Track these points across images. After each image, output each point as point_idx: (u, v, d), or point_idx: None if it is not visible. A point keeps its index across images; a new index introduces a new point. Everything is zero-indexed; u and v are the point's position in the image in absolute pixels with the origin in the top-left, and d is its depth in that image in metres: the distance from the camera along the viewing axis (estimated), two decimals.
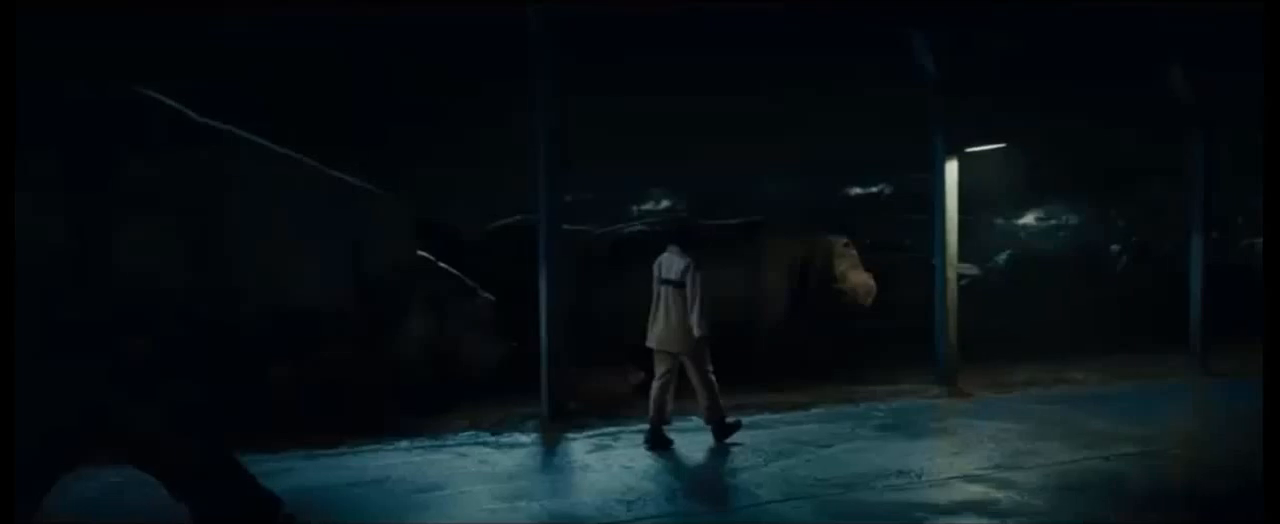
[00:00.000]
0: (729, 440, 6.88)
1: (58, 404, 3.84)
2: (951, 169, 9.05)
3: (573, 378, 7.90)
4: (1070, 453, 6.54)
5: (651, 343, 6.81)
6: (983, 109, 9.05)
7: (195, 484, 4.13)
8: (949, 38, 8.95)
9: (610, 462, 6.37)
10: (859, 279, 10.81)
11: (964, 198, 9.17)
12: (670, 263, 6.76)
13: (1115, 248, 18.32)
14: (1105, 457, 6.44)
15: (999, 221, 27.54)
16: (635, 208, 26.49)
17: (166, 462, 4.09)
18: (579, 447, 6.85)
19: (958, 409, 8.42)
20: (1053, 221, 28.08)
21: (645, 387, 7.29)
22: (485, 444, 6.94)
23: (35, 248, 3.82)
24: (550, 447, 6.92)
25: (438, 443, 6.94)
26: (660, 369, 6.81)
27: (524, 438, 7.15)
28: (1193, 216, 11.17)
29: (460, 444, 6.92)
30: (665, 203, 26.09)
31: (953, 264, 9.20)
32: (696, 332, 6.58)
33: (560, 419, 7.54)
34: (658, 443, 6.71)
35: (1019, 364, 10.88)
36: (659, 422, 6.76)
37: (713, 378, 6.79)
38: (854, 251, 10.75)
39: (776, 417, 7.90)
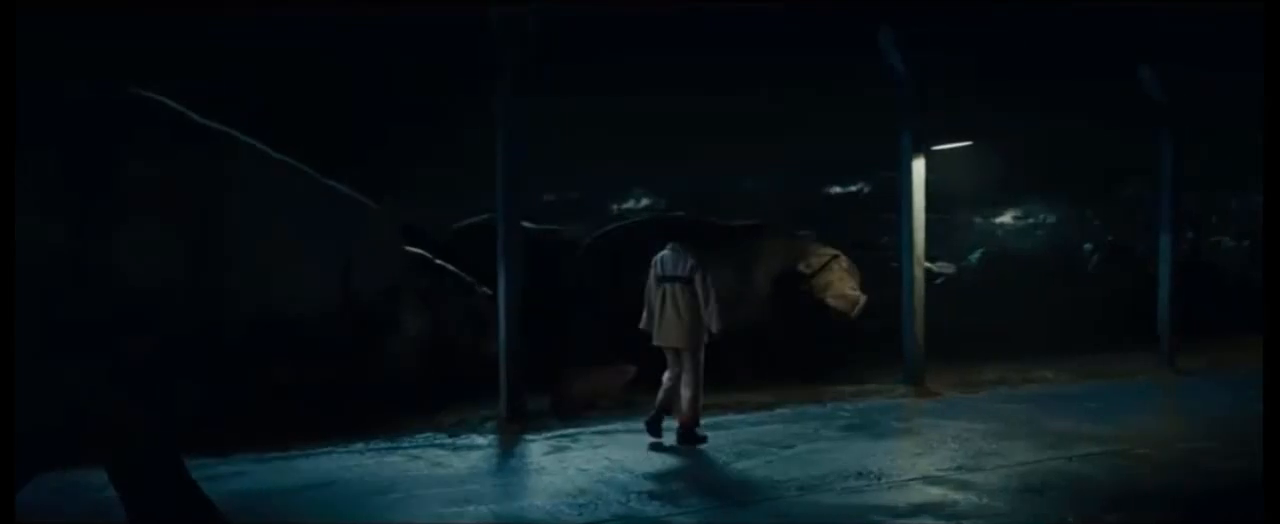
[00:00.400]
0: (688, 446, 6.75)
1: (53, 402, 3.84)
2: (918, 167, 8.97)
3: (526, 377, 7.73)
4: (1033, 453, 6.46)
5: (659, 341, 6.82)
6: (951, 107, 8.95)
7: (153, 483, 4.11)
8: (917, 35, 8.86)
9: (566, 463, 6.24)
10: (848, 293, 10.63)
11: (943, 197, 9.13)
12: (673, 260, 6.76)
13: (1088, 247, 18.34)
14: (1068, 457, 6.37)
15: (977, 220, 27.64)
16: (615, 207, 26.40)
17: (135, 460, 4.07)
18: (536, 448, 6.71)
19: (924, 409, 8.34)
20: (1030, 220, 28.19)
21: (636, 382, 7.65)
22: (441, 446, 6.79)
23: (35, 248, 3.84)
24: (506, 448, 6.78)
25: (392, 445, 6.79)
26: (673, 366, 6.86)
27: (481, 440, 7.00)
28: (1162, 215, 11.14)
29: (415, 446, 6.77)
30: (645, 202, 25.99)
31: (919, 262, 9.12)
32: (713, 327, 6.64)
33: (519, 420, 7.39)
34: (652, 426, 6.82)
35: (988, 363, 10.81)
36: (665, 411, 6.87)
37: (702, 380, 6.80)
38: (845, 263, 10.64)
39: (740, 417, 7.79)
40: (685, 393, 6.76)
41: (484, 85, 7.72)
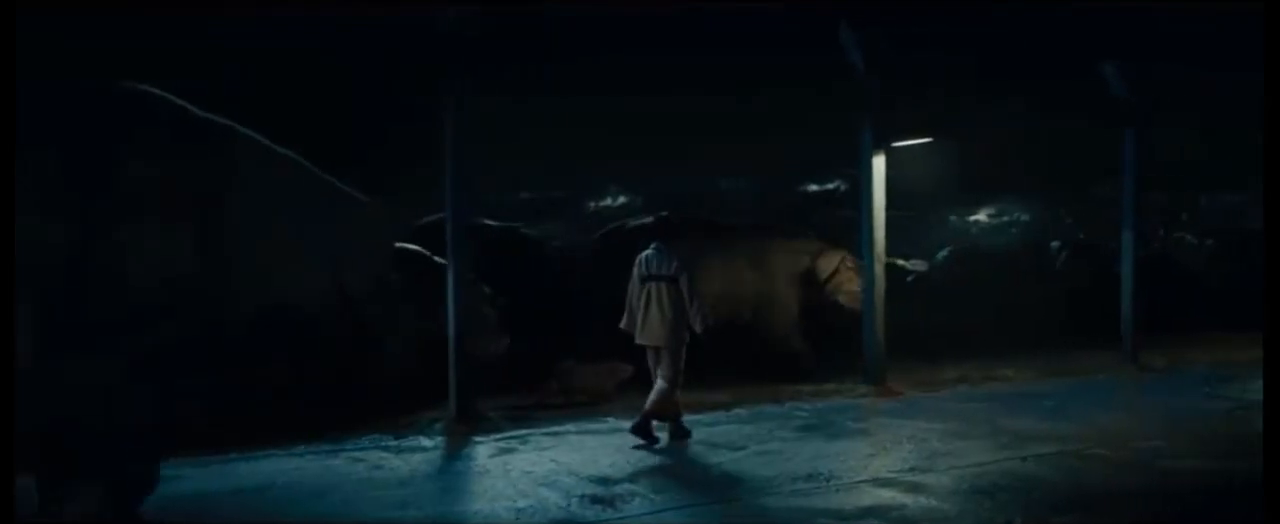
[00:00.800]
0: (637, 444, 6.61)
1: (70, 398, 3.87)
2: (878, 164, 8.86)
3: (478, 378, 7.58)
4: (987, 454, 6.37)
5: (642, 339, 6.76)
6: (913, 104, 8.86)
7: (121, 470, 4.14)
8: (878, 33, 8.77)
9: (511, 466, 6.08)
10: (857, 292, 10.75)
11: (919, 195, 9.08)
12: (657, 259, 6.73)
13: (1055, 245, 18.35)
14: (1022, 457, 6.28)
15: (952, 218, 27.67)
16: (593, 205, 26.26)
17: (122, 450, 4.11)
18: (482, 450, 6.55)
19: (882, 409, 8.24)
20: (1004, 218, 28.26)
21: (631, 381, 7.71)
22: (385, 448, 6.61)
23: (41, 248, 3.83)
24: (452, 451, 6.61)
25: (336, 447, 6.59)
26: (656, 364, 6.79)
27: (427, 442, 6.83)
28: (1124, 213, 11.12)
29: (360, 448, 6.59)
30: (622, 200, 25.85)
31: (880, 260, 9.02)
32: (698, 326, 6.65)
33: (467, 422, 7.23)
34: (678, 435, 6.79)
35: (952, 361, 10.76)
36: (676, 416, 6.83)
37: (679, 378, 6.76)
38: (851, 262, 10.76)
39: (696, 417, 7.63)
40: (659, 386, 6.71)
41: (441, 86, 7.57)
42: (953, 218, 27.56)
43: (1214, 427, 7.58)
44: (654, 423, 6.69)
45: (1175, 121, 12.16)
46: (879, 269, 9.00)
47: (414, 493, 5.48)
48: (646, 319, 6.68)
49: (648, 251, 6.83)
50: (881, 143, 8.83)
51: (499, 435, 6.98)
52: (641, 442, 6.59)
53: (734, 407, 8.17)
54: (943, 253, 18.17)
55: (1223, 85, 12.77)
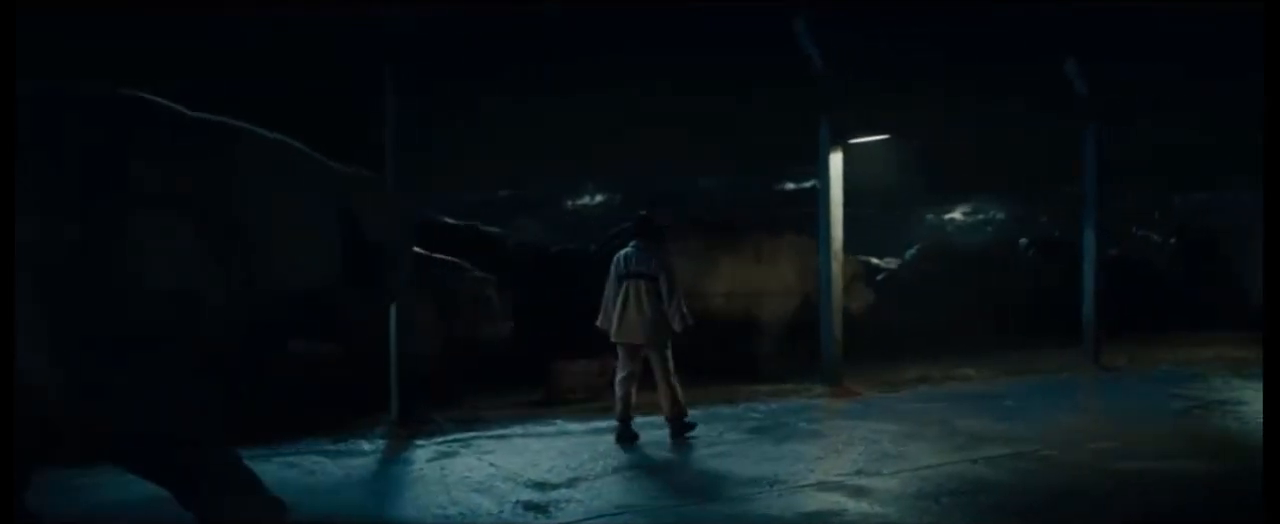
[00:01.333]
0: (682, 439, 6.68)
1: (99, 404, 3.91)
2: (836, 160, 8.72)
3: (422, 379, 7.39)
4: (938, 456, 6.24)
5: (617, 337, 6.67)
6: (871, 99, 8.73)
7: (204, 484, 4.25)
8: (836, 27, 8.63)
9: (448, 471, 5.89)
10: (862, 292, 11.51)
11: (896, 192, 8.97)
12: (636, 257, 6.66)
13: (1023, 242, 18.31)
14: (973, 459, 6.15)
15: (929, 216, 27.66)
16: (569, 202, 26.06)
17: (181, 463, 4.21)
18: (421, 455, 6.35)
19: (838, 409, 8.12)
20: (980, 216, 28.29)
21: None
22: (322, 453, 6.40)
23: (49, 252, 3.82)
24: (391, 455, 6.41)
25: (271, 452, 6.36)
26: (626, 364, 6.71)
27: (366, 446, 6.62)
28: (1085, 210, 11.05)
29: (295, 453, 6.37)
30: (599, 198, 25.66)
31: (837, 259, 8.88)
32: (677, 325, 6.57)
33: (409, 425, 7.03)
34: (625, 438, 6.62)
35: (914, 361, 10.64)
36: (626, 417, 6.69)
37: (673, 373, 6.74)
38: (855, 263, 11.16)
39: (646, 420, 7.47)
40: (662, 390, 6.70)
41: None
42: (929, 216, 27.58)
43: (1170, 426, 7.50)
44: (630, 422, 6.71)
45: (1136, 120, 12.08)
46: (836, 268, 8.87)
47: (342, 500, 5.30)
48: (624, 317, 6.61)
49: (626, 250, 6.76)
50: (838, 139, 8.69)
51: (442, 439, 6.78)
52: (685, 438, 6.70)
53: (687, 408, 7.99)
54: (911, 251, 18.09)
55: (1187, 84, 12.80)
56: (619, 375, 6.73)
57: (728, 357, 9.51)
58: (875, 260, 15.98)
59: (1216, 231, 16.17)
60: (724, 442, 6.74)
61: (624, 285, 6.63)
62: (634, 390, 6.72)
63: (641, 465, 6.10)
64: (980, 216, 28.31)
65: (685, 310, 6.62)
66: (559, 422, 7.39)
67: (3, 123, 3.54)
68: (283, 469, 5.95)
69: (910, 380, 9.61)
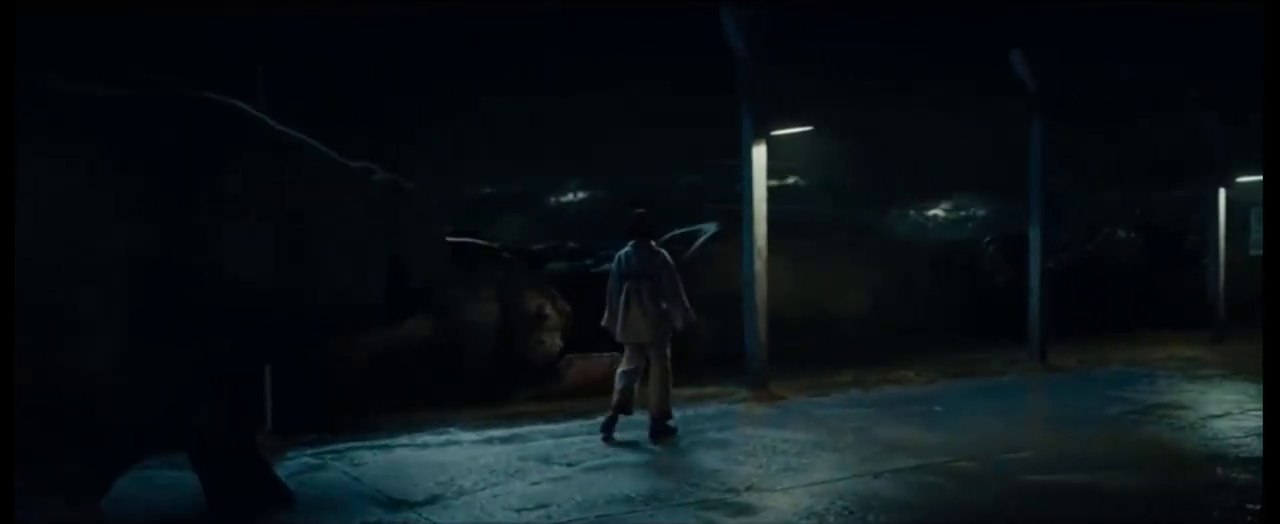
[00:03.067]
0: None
1: (152, 394, 4.25)
2: (759, 153, 8.30)
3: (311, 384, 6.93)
4: (841, 469, 5.84)
5: (623, 337, 6.74)
6: (796, 89, 8.31)
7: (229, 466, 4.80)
8: (760, 16, 8.20)
9: (307, 484, 5.46)
10: None
11: (871, 190, 8.59)
12: (637, 257, 6.69)
13: (986, 240, 17.94)
14: (877, 472, 5.75)
15: (911, 213, 27.31)
16: (553, 200, 25.62)
17: (216, 446, 4.74)
18: (289, 468, 5.88)
19: (755, 416, 7.69)
20: (961, 213, 27.96)
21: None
22: (180, 466, 5.92)
23: (137, 249, 4.11)
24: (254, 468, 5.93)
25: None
26: (629, 360, 6.77)
27: None
28: (1030, 207, 10.68)
29: (150, 468, 5.88)
30: (583, 195, 25.24)
31: (761, 256, 8.45)
32: (679, 323, 6.63)
33: (285, 434, 6.56)
34: (609, 429, 6.68)
35: (853, 363, 10.23)
36: (621, 412, 6.73)
37: (670, 373, 6.77)
38: None
39: (544, 427, 7.07)
40: (655, 387, 6.70)
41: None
42: (911, 213, 27.26)
43: (1098, 434, 7.13)
44: (623, 416, 6.74)
45: (1086, 113, 11.73)
46: (760, 266, 8.44)
47: (181, 515, 4.84)
48: (628, 317, 6.64)
49: (625, 249, 6.77)
50: (762, 131, 8.26)
51: (315, 450, 6.33)
52: (666, 439, 6.64)
53: (595, 414, 7.55)
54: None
55: (1140, 80, 12.48)
56: (621, 369, 6.78)
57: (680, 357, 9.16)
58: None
59: (1180, 229, 15.83)
60: (619, 452, 6.31)
61: (625, 285, 6.65)
62: (635, 385, 6.74)
63: (523, 477, 5.66)
64: (961, 214, 28.02)
65: (687, 307, 6.65)
66: (453, 430, 6.96)
67: (3, 123, 3.63)
68: (134, 484, 5.48)
69: (842, 383, 9.20)
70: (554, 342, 8.77)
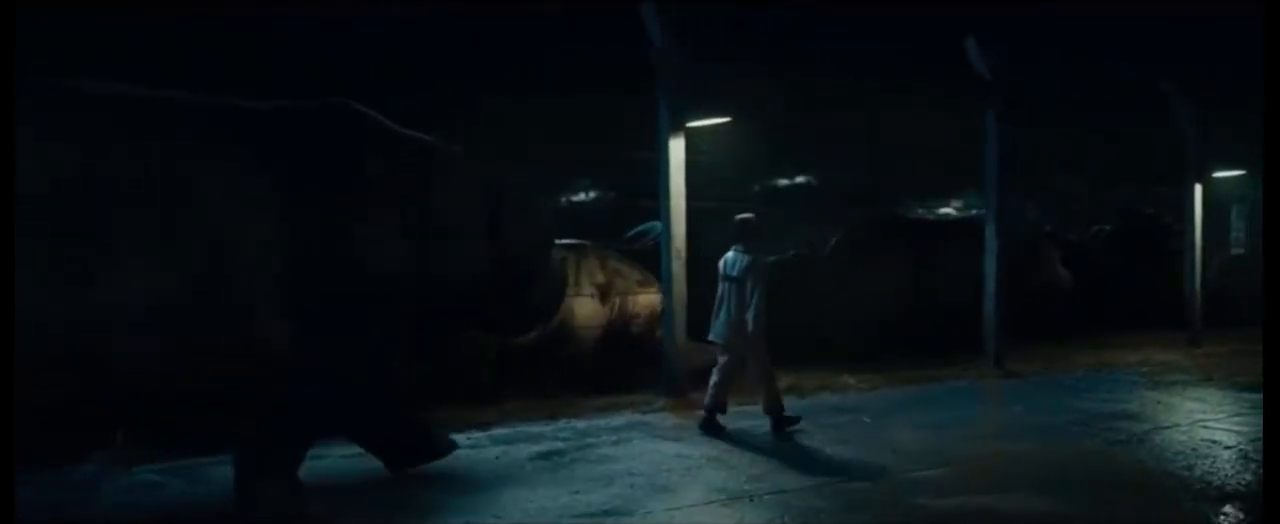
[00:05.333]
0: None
1: (325, 375, 4.70)
2: (676, 146, 7.77)
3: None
4: (717, 491, 5.31)
5: (712, 336, 7.04)
6: (715, 77, 7.78)
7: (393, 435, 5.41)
8: (678, 5, 7.68)
9: (151, 498, 4.97)
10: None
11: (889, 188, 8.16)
12: (734, 261, 6.93)
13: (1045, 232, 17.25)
14: (756, 494, 5.21)
15: (919, 210, 26.72)
16: (564, 199, 25.21)
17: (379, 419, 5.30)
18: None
19: (660, 428, 7.13)
20: (972, 211, 27.38)
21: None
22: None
23: (292, 237, 4.54)
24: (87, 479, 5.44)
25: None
26: (722, 360, 7.00)
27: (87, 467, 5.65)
28: (987, 204, 10.10)
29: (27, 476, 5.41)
30: (593, 194, 24.84)
31: (678, 256, 7.92)
32: (749, 328, 6.77)
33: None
34: (710, 428, 6.86)
35: (795, 367, 9.62)
36: (715, 408, 6.95)
37: (773, 370, 7.02)
38: None
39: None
40: (757, 387, 6.99)
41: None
42: (920, 210, 26.69)
43: (1032, 447, 6.59)
44: (719, 412, 6.97)
45: (1044, 107, 11.14)
46: (677, 267, 7.90)
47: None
48: (717, 318, 6.96)
49: (728, 254, 7.02)
50: (678, 121, 7.73)
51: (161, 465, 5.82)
52: (786, 429, 6.92)
53: (494, 426, 7.05)
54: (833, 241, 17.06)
55: (1108, 72, 11.91)
56: (716, 366, 7.02)
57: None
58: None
59: (1160, 226, 15.17)
60: (479, 472, 5.73)
61: (721, 288, 6.98)
62: (726, 384, 6.94)
63: (343, 506, 5.13)
64: (972, 212, 27.49)
65: (759, 315, 6.77)
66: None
67: (3, 123, 3.74)
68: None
69: (778, 390, 8.61)
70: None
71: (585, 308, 8.61)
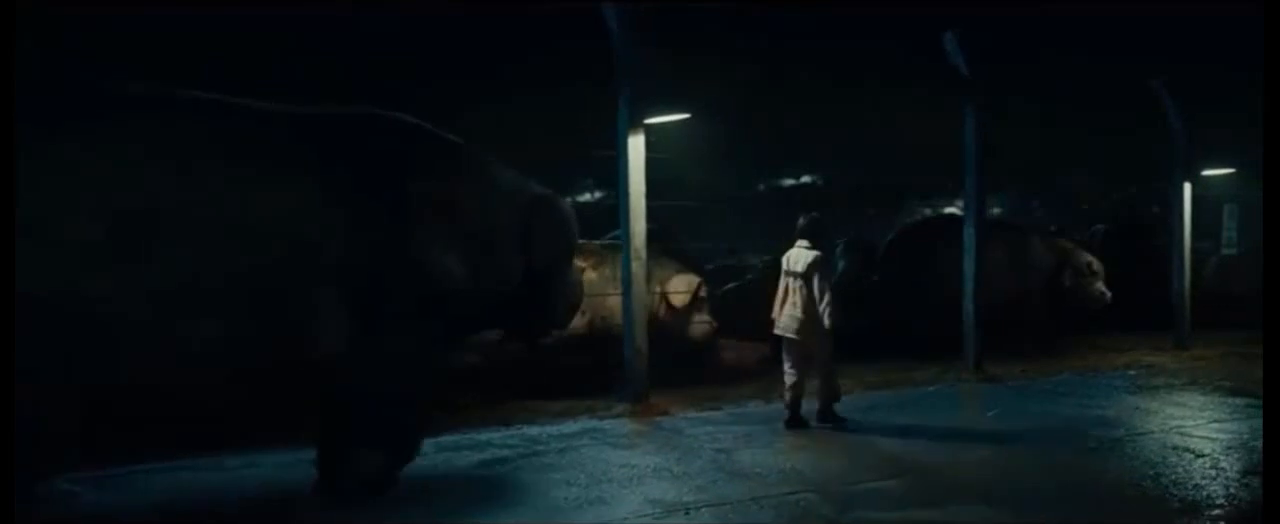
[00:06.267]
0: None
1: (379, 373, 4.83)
2: (635, 143, 7.53)
3: None
4: (653, 504, 5.08)
5: (779, 331, 7.17)
6: (675, 72, 7.55)
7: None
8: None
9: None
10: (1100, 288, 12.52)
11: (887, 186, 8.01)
12: (798, 257, 7.05)
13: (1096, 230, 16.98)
14: (693, 506, 5.00)
15: (927, 211, 26.47)
16: (570, 200, 25.04)
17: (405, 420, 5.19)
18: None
19: (614, 435, 6.90)
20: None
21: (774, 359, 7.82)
22: None
23: (355, 251, 4.63)
24: None
25: None
26: (789, 355, 7.17)
27: None
28: (966, 201, 9.84)
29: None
30: (599, 194, 24.70)
31: (638, 257, 7.69)
32: (827, 323, 6.93)
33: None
34: (793, 423, 7.12)
35: (768, 372, 9.41)
36: (794, 405, 7.16)
37: (831, 364, 7.20)
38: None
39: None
40: (820, 379, 7.17)
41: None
42: (927, 211, 26.47)
43: (996, 456, 6.35)
44: (797, 409, 7.16)
45: (1023, 102, 10.88)
46: (637, 267, 7.68)
47: None
48: (784, 313, 7.10)
49: (792, 250, 7.14)
50: (638, 118, 7.50)
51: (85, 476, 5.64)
52: (832, 424, 7.20)
53: (445, 432, 6.83)
54: (839, 246, 16.86)
55: (1090, 74, 11.64)
56: (785, 365, 7.20)
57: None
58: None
59: (1157, 226, 14.87)
60: (412, 485, 5.49)
61: (785, 282, 7.11)
62: (802, 381, 7.13)
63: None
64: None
65: (835, 309, 6.97)
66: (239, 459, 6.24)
67: (3, 123, 3.72)
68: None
69: (741, 396, 8.41)
70: (713, 323, 9.42)
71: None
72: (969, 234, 9.74)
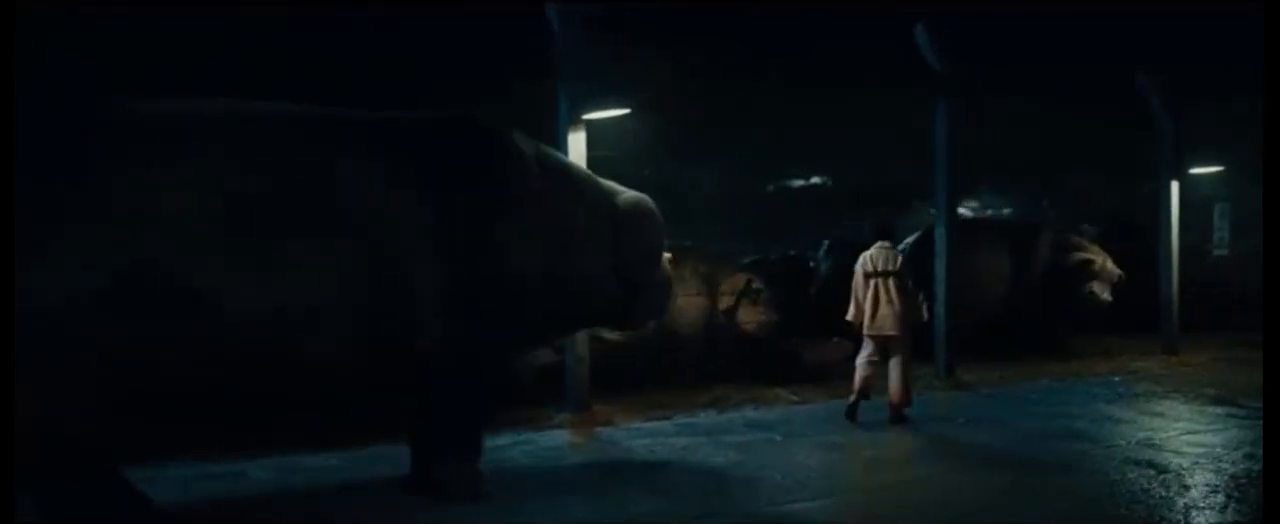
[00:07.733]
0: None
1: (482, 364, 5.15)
2: (577, 140, 7.20)
3: None
4: None
5: (871, 330, 7.33)
6: (616, 66, 7.21)
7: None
8: None
9: None
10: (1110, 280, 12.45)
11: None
12: (881, 257, 7.33)
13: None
14: None
15: (931, 211, 26.07)
16: None
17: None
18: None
19: (544, 450, 6.52)
20: (988, 211, 26.77)
21: (851, 356, 7.94)
22: None
23: (453, 247, 4.88)
24: None
25: None
26: (869, 350, 7.39)
27: None
28: (937, 201, 9.46)
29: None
30: None
31: None
32: (923, 316, 7.50)
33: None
34: (852, 414, 7.37)
35: (731, 379, 9.06)
36: (864, 396, 7.40)
37: (910, 363, 7.48)
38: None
39: (293, 459, 6.00)
40: (896, 377, 7.32)
41: None
42: (932, 211, 26.08)
43: (944, 473, 5.99)
44: (863, 400, 7.40)
45: (998, 97, 10.49)
46: None
47: None
48: (877, 312, 7.25)
49: (871, 251, 7.39)
50: (576, 114, 7.17)
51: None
52: (902, 424, 7.34)
53: (365, 448, 6.50)
54: (823, 247, 16.47)
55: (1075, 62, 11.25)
56: (861, 357, 7.41)
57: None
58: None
59: (1141, 224, 14.40)
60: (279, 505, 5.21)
61: (872, 282, 7.26)
62: (872, 374, 7.35)
63: None
64: (988, 212, 26.89)
65: (924, 302, 7.52)
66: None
67: (3, 122, 3.84)
68: None
69: (698, 404, 8.06)
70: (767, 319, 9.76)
71: (692, 306, 9.22)
72: (940, 235, 9.38)
